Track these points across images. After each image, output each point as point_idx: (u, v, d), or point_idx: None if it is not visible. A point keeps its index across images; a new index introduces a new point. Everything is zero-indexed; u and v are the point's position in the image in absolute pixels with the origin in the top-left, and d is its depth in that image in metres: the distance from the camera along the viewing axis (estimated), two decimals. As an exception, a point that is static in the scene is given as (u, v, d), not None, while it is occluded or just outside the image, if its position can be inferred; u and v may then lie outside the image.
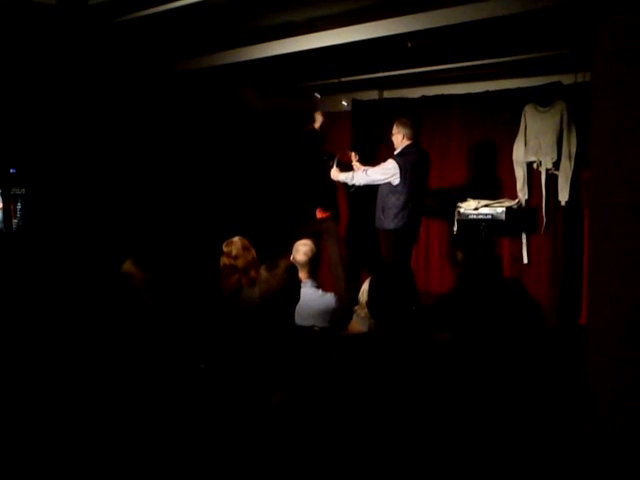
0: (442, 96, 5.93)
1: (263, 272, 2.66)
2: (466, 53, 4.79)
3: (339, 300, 3.39)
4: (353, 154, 5.18)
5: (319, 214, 5.43)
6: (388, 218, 4.76)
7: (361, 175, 4.89)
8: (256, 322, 2.64)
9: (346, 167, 5.16)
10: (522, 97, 5.39)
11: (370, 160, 5.24)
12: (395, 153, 4.84)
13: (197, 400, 2.39)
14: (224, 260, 3.59)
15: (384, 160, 4.91)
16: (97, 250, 4.59)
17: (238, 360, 2.46)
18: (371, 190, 4.98)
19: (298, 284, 2.73)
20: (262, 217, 5.95)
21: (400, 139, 4.83)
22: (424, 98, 6.02)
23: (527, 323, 3.10)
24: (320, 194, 5.41)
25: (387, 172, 4.74)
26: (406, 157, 4.76)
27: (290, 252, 3.53)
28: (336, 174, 5.06)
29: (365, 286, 3.25)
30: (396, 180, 4.71)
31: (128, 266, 3.12)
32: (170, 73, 5.22)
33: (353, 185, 5.00)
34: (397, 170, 4.69)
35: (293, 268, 2.77)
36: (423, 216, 5.23)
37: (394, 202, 4.73)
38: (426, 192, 5.16)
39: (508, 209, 5.22)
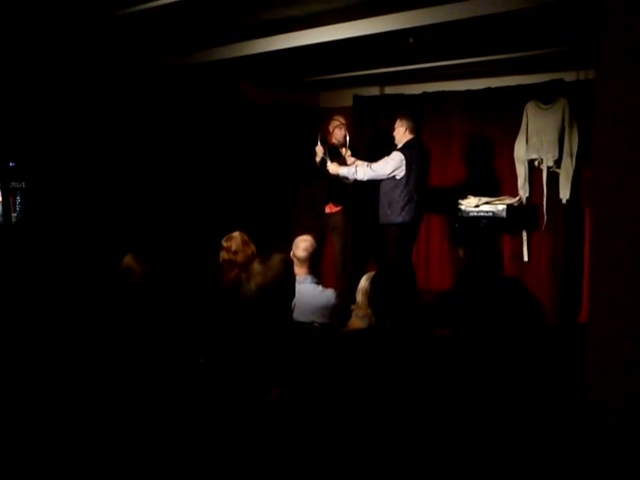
0: (443, 93, 5.91)
1: (257, 266, 2.61)
2: (468, 49, 4.77)
3: (339, 296, 3.38)
4: (344, 150, 5.10)
5: (329, 209, 5.37)
6: (395, 212, 4.74)
7: (365, 170, 4.81)
8: (255, 316, 2.62)
9: (342, 160, 5.07)
10: (524, 94, 5.37)
11: (371, 156, 5.20)
12: (398, 147, 4.83)
13: (196, 395, 2.39)
14: (224, 255, 3.58)
15: (385, 155, 4.91)
16: (97, 244, 4.59)
17: (238, 355, 2.45)
18: (373, 187, 4.96)
19: (293, 277, 2.70)
20: (263, 212, 5.94)
21: (403, 132, 4.82)
22: (425, 94, 6.01)
23: (527, 320, 3.10)
24: (331, 188, 5.28)
25: (394, 164, 4.70)
26: (410, 150, 4.76)
27: (290, 247, 3.52)
28: (335, 168, 4.88)
29: (361, 285, 3.23)
30: (401, 172, 4.70)
31: (128, 260, 3.12)
32: (170, 67, 5.20)
33: (354, 179, 4.91)
34: (403, 162, 4.68)
35: (287, 261, 2.75)
36: (425, 212, 5.21)
37: (399, 195, 4.71)
38: (426, 188, 5.15)
39: (509, 207, 5.20)
